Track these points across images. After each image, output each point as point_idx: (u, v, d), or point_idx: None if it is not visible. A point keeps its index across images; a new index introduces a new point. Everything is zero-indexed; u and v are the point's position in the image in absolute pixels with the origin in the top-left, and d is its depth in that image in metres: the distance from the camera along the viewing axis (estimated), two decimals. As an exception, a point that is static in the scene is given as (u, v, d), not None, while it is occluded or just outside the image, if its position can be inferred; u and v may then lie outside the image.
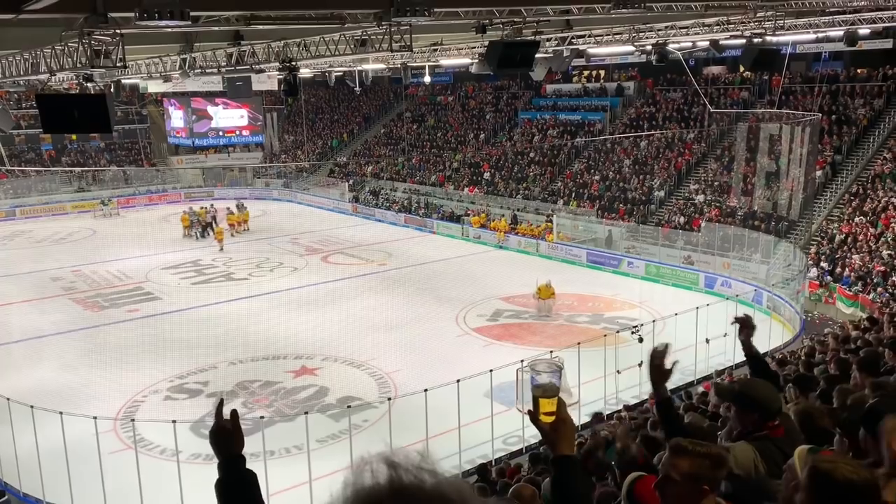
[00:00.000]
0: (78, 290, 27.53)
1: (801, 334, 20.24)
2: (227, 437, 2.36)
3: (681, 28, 17.87)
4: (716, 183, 32.74)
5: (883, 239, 24.47)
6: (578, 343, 16.31)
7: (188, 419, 15.28)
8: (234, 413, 2.41)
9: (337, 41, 14.68)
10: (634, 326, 18.53)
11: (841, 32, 19.55)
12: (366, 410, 15.94)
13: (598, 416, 13.68)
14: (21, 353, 20.64)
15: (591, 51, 20.32)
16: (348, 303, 25.05)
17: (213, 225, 37.55)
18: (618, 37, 18.64)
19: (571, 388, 16.61)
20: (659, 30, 18.02)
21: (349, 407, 15.07)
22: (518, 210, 36.58)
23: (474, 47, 19.69)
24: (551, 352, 16.37)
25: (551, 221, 33.30)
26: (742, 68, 34.38)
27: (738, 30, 17.62)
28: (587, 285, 26.92)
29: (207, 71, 19.00)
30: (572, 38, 18.02)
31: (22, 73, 16.16)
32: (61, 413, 13.19)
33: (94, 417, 13.25)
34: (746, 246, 27.24)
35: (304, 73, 25.48)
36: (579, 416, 15.83)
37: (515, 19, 12.87)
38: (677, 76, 38.02)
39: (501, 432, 14.55)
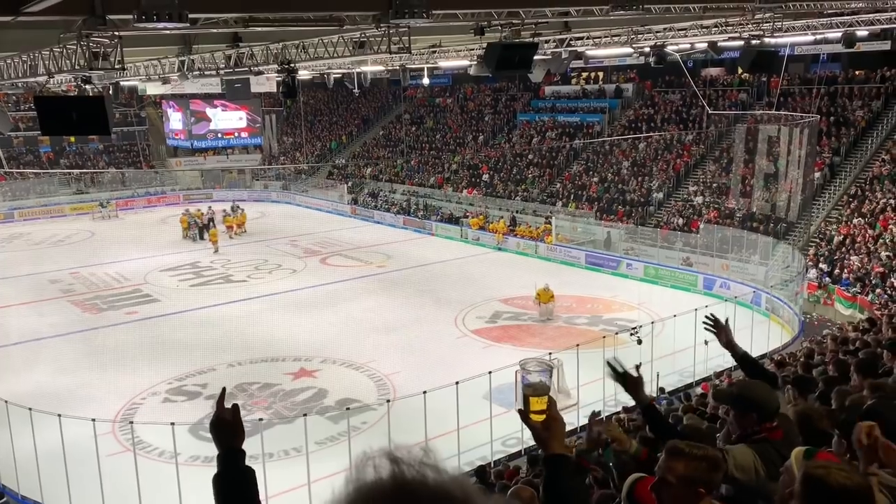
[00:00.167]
0: (76, 293, 27.51)
1: (800, 336, 20.24)
2: (226, 428, 2.35)
3: (679, 30, 17.88)
4: (714, 184, 32.76)
5: (881, 240, 24.49)
6: (577, 345, 16.32)
7: (187, 421, 15.27)
8: (234, 407, 2.40)
9: (335, 43, 14.67)
10: (633, 328, 18.53)
11: (839, 34, 19.57)
12: (365, 412, 15.92)
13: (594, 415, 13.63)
14: (19, 356, 20.61)
15: (590, 52, 20.33)
16: (347, 305, 25.04)
17: (213, 226, 37.54)
18: (616, 38, 18.65)
19: (570, 390, 16.65)
20: (657, 31, 18.03)
21: (348, 409, 15.06)
22: (517, 212, 36.59)
23: (473, 49, 19.69)
24: (550, 353, 16.36)
25: (550, 223, 33.31)
26: (740, 70, 34.42)
27: (736, 31, 17.64)
28: (586, 287, 26.92)
29: (206, 73, 18.99)
30: (571, 39, 18.02)
31: (20, 75, 16.15)
32: (59, 415, 13.18)
33: (93, 420, 13.23)
34: (745, 247, 27.25)
35: (303, 75, 25.49)
36: (578, 418, 15.85)
37: (514, 21, 12.87)
38: (676, 78, 38.06)
39: (500, 434, 14.54)
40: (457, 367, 17.12)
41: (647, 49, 19.81)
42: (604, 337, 17.64)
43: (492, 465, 13.42)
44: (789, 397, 6.09)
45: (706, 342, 17.15)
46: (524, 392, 2.31)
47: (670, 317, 18.73)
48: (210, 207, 39.93)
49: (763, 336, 19.31)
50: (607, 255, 30.48)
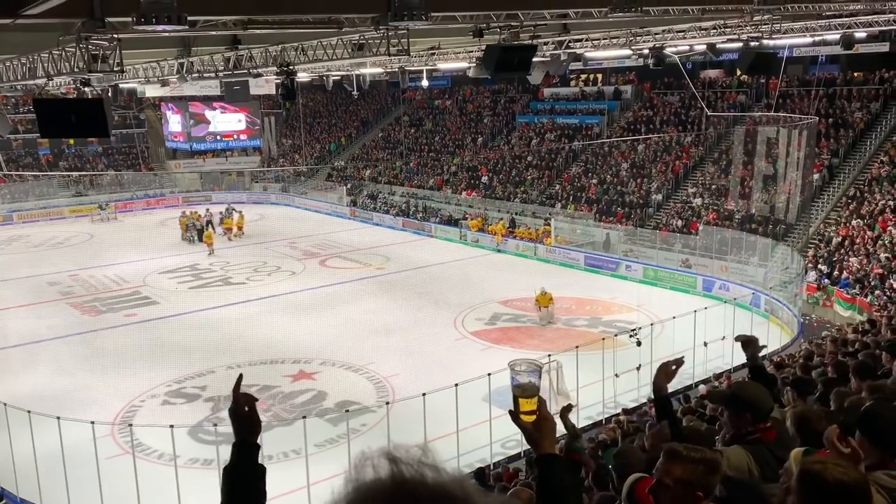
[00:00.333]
0: (75, 295, 27.50)
1: (799, 337, 20.25)
2: (241, 417, 2.29)
3: (678, 32, 17.90)
4: (713, 186, 32.78)
5: (880, 242, 24.51)
6: (577, 346, 16.31)
7: (186, 424, 15.28)
8: (249, 398, 2.32)
9: (334, 45, 14.69)
10: (633, 330, 18.52)
11: (837, 36, 19.58)
12: (364, 415, 15.91)
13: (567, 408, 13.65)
14: (18, 358, 20.60)
15: (589, 54, 20.35)
16: (346, 307, 25.03)
17: (211, 228, 37.55)
18: (615, 41, 18.67)
19: (570, 392, 16.64)
20: (656, 33, 18.05)
21: (347, 411, 15.04)
22: (516, 213, 36.60)
23: (472, 51, 19.70)
24: (549, 355, 16.35)
25: (549, 225, 33.31)
26: (739, 72, 34.49)
27: (734, 33, 17.66)
28: (585, 289, 26.92)
29: (205, 75, 19.00)
30: (570, 41, 18.03)
31: (19, 77, 16.14)
32: (59, 418, 13.16)
33: (92, 422, 13.23)
34: (744, 249, 27.27)
35: (302, 77, 25.48)
36: (577, 420, 15.84)
37: (513, 23, 12.88)
38: (674, 80, 38.11)
39: (500, 436, 14.52)
40: (456, 369, 17.11)
41: (646, 51, 19.83)
42: (603, 339, 17.63)
43: (491, 467, 13.41)
44: (788, 399, 6.09)
45: (705, 344, 17.25)
46: (514, 393, 2.31)
47: (670, 318, 18.72)
48: (208, 210, 39.93)
49: (762, 338, 19.22)
50: (606, 256, 30.49)
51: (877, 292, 22.03)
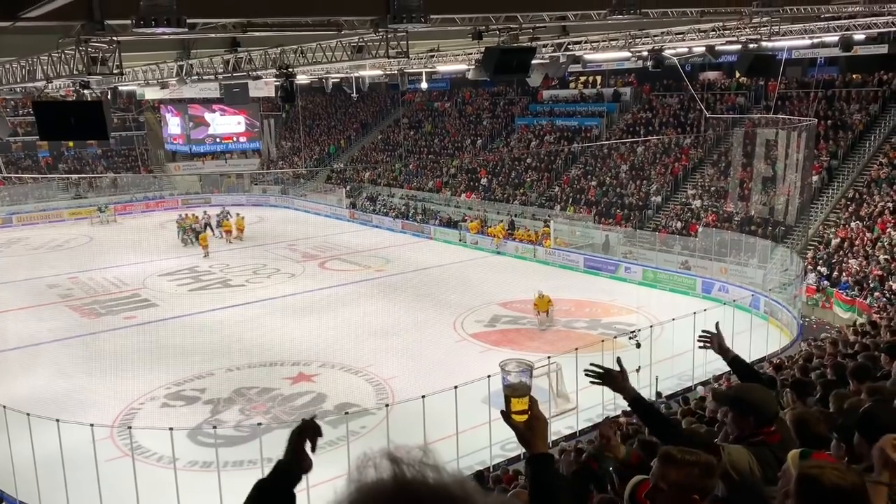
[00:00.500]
0: (75, 297, 27.48)
1: (799, 339, 20.24)
2: (299, 446, 2.26)
3: (677, 34, 17.93)
4: (712, 188, 32.80)
5: (879, 243, 24.52)
6: (576, 349, 16.30)
7: (185, 426, 15.28)
8: (317, 429, 2.33)
9: (333, 48, 14.70)
10: (632, 332, 18.53)
11: (836, 38, 19.59)
12: (363, 417, 15.91)
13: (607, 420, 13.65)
14: (17, 361, 20.58)
15: (588, 57, 20.40)
16: (345, 309, 25.03)
17: (209, 230, 37.56)
18: (614, 43, 18.69)
19: (570, 394, 16.64)
20: (655, 36, 18.08)
21: (347, 413, 15.03)
22: (515, 216, 36.60)
23: (471, 53, 19.72)
24: (549, 357, 16.36)
25: (548, 227, 33.32)
26: (738, 74, 34.50)
27: (733, 35, 17.65)
28: (584, 291, 26.92)
29: (204, 77, 19.02)
30: (568, 44, 18.06)
31: (19, 80, 16.16)
32: (58, 421, 13.14)
33: (91, 425, 13.22)
34: (743, 251, 27.28)
35: (301, 79, 25.50)
36: (577, 422, 15.85)
37: (512, 26, 12.89)
38: (674, 82, 38.13)
39: (499, 438, 14.50)
40: (455, 371, 17.11)
41: (645, 53, 19.84)
42: (602, 341, 17.63)
43: (490, 469, 13.40)
44: (788, 401, 6.10)
45: (705, 346, 17.22)
46: (505, 393, 2.31)
47: (669, 320, 18.72)
48: (206, 212, 39.95)
49: (762, 339, 19.32)
50: (606, 258, 30.49)
51: (876, 294, 22.04)
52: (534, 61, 14.94)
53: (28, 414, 13.34)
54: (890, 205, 26.16)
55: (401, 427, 13.91)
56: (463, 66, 22.78)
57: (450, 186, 42.57)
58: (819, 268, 24.98)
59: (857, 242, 25.27)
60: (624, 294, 26.35)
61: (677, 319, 18.31)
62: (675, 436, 3.69)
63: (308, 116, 56.26)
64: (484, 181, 41.21)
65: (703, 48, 19.61)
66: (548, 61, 19.26)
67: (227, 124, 51.42)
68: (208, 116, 50.48)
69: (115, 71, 10.88)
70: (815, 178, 29.36)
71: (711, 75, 39.88)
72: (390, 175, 46.65)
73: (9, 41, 12.45)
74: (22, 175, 47.47)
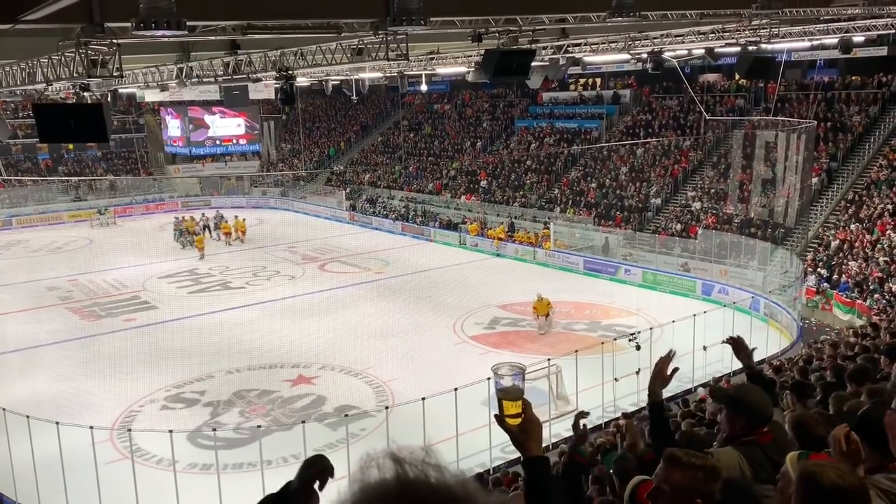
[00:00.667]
0: (74, 300, 27.47)
1: (799, 341, 20.24)
2: (314, 480, 2.38)
3: (676, 36, 17.96)
4: (712, 190, 32.81)
5: (879, 245, 24.53)
6: (576, 351, 16.31)
7: (185, 429, 15.26)
8: (325, 474, 2.44)
9: (333, 50, 14.71)
10: (632, 334, 18.52)
11: (836, 40, 19.62)
12: (363, 419, 15.89)
13: (580, 414, 13.65)
14: (17, 363, 20.56)
15: (587, 59, 20.39)
16: (345, 311, 25.02)
17: (208, 233, 37.56)
18: (613, 45, 18.71)
19: (569, 396, 16.64)
20: (654, 38, 18.10)
21: (346, 416, 15.04)
22: (515, 218, 36.61)
23: (471, 56, 19.72)
24: (549, 359, 16.35)
25: (548, 229, 33.33)
26: (737, 76, 34.55)
27: (733, 38, 17.69)
28: (584, 293, 26.91)
29: (204, 80, 19.04)
30: (568, 46, 18.09)
31: (19, 82, 16.18)
32: (57, 423, 13.13)
33: (91, 427, 13.21)
34: (743, 253, 27.29)
35: (301, 81, 25.51)
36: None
37: (511, 28, 12.91)
38: (673, 84, 38.15)
39: (499, 441, 14.50)
40: (455, 373, 17.09)
41: (645, 55, 19.86)
42: (602, 343, 17.63)
43: (490, 471, 13.39)
44: (788, 403, 6.09)
45: (705, 348, 17.23)
46: (498, 396, 2.31)
47: (669, 322, 18.71)
48: (204, 214, 39.97)
49: (761, 341, 19.29)
50: (606, 260, 30.49)
51: (876, 296, 22.04)
52: (533, 63, 14.95)
53: (28, 416, 13.33)
54: (889, 207, 26.18)
55: (401, 429, 13.90)
56: (463, 69, 22.80)
57: (450, 188, 42.59)
58: (819, 270, 24.99)
59: (856, 244, 25.28)
60: (624, 296, 26.35)
61: (677, 321, 18.29)
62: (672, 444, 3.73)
63: (308, 119, 56.29)
64: (484, 183, 41.22)
65: (703, 50, 19.64)
66: (547, 63, 19.28)
67: (226, 126, 51.43)
68: (208, 119, 50.50)
69: (114, 73, 10.90)
70: (814, 180, 29.37)
71: (711, 77, 39.92)
72: (390, 177, 46.67)
73: (9, 44, 12.48)
74: (22, 177, 47.47)
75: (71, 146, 51.09)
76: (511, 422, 2.28)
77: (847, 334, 14.89)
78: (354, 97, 30.90)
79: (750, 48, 17.57)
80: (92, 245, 38.28)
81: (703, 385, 16.83)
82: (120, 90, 22.94)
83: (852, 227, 26.37)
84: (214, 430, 14.58)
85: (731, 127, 34.88)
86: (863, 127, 31.10)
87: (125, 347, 21.74)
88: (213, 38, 12.37)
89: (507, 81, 41.69)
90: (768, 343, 19.59)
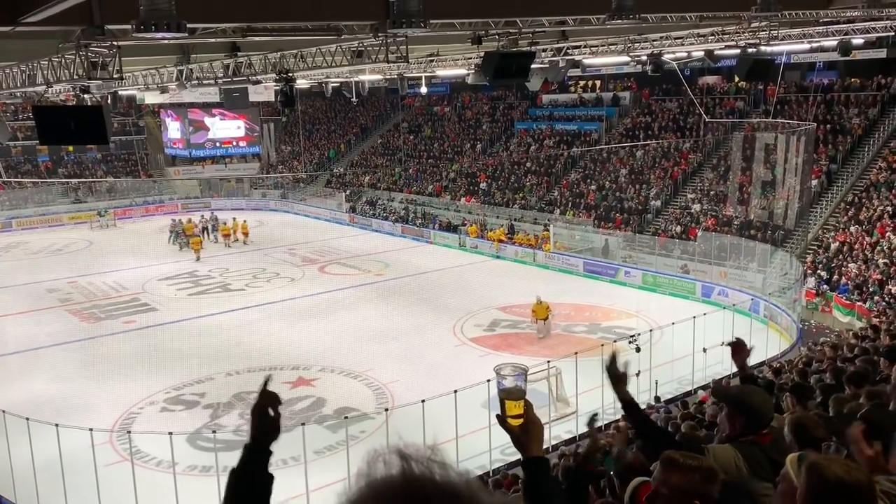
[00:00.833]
0: (74, 302, 27.47)
1: (798, 343, 20.24)
2: (264, 416, 2.20)
3: (676, 38, 17.96)
4: (712, 192, 32.82)
5: (879, 248, 24.53)
6: (576, 353, 16.29)
7: (185, 431, 15.24)
8: (275, 398, 2.20)
9: (333, 52, 14.72)
10: (632, 336, 18.51)
11: (835, 42, 19.66)
12: (363, 421, 15.89)
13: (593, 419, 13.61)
14: (17, 365, 20.55)
15: (587, 61, 20.40)
16: (345, 313, 25.01)
17: (206, 235, 37.54)
18: (613, 47, 18.72)
19: (569, 398, 16.63)
20: (654, 40, 18.11)
21: (346, 418, 15.04)
22: (515, 220, 36.62)
23: (470, 58, 19.75)
24: (549, 361, 16.35)
25: (548, 231, 33.33)
26: (737, 78, 34.55)
27: (732, 40, 17.72)
28: (584, 295, 26.91)
29: (204, 82, 19.04)
30: (568, 48, 18.09)
31: (19, 84, 16.19)
32: (57, 425, 13.13)
33: (90, 429, 13.19)
34: (743, 255, 27.30)
35: (301, 83, 25.54)
36: (577, 426, 15.82)
37: (511, 30, 12.92)
38: (673, 86, 38.18)
39: (499, 443, 14.50)
40: (455, 375, 17.09)
41: (644, 57, 19.88)
42: (602, 345, 17.63)
43: (490, 473, 13.39)
44: (788, 405, 6.09)
45: (704, 350, 17.22)
46: (500, 396, 2.32)
47: (669, 324, 18.72)
48: (203, 216, 39.98)
49: (761, 343, 19.27)
50: (605, 262, 30.49)
51: (875, 298, 22.04)
52: (533, 66, 14.96)
53: (27, 418, 13.33)
54: (889, 209, 26.19)
55: (401, 431, 13.83)
56: (462, 71, 22.83)
57: (449, 190, 42.60)
58: (818, 272, 24.99)
59: (856, 246, 25.29)
60: (623, 298, 26.35)
61: (677, 323, 18.31)
62: (666, 441, 3.72)
63: (308, 121, 56.30)
64: (483, 185, 41.23)
65: (703, 52, 19.64)
66: (547, 66, 19.29)
67: (226, 128, 51.46)
68: (208, 121, 50.51)
69: (115, 75, 10.91)
70: (814, 182, 29.39)
71: (710, 79, 39.94)
72: (390, 179, 46.67)
73: (9, 46, 12.50)
74: (22, 179, 47.48)
75: (71, 148, 51.08)
76: (513, 422, 2.29)
77: (847, 336, 14.88)
78: (354, 99, 30.92)
79: (749, 50, 17.60)
80: (92, 247, 38.27)
81: (703, 387, 16.81)
82: (120, 92, 22.95)
83: (852, 229, 26.38)
84: (214, 432, 14.58)
85: (730, 129, 34.91)
86: (862, 129, 31.12)
87: (125, 349, 21.74)
88: (212, 40, 12.38)
89: (506, 84, 41.67)
90: (768, 345, 19.57)
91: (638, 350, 17.15)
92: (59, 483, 12.80)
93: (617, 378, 3.81)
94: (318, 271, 31.93)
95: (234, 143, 52.54)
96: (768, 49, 17.96)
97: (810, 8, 14.60)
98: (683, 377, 17.78)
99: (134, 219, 46.65)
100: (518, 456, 2.32)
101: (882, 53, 27.54)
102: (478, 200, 40.32)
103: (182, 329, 23.71)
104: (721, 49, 18.90)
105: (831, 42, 19.88)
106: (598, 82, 43.88)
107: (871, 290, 22.63)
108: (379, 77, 26.21)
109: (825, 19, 16.89)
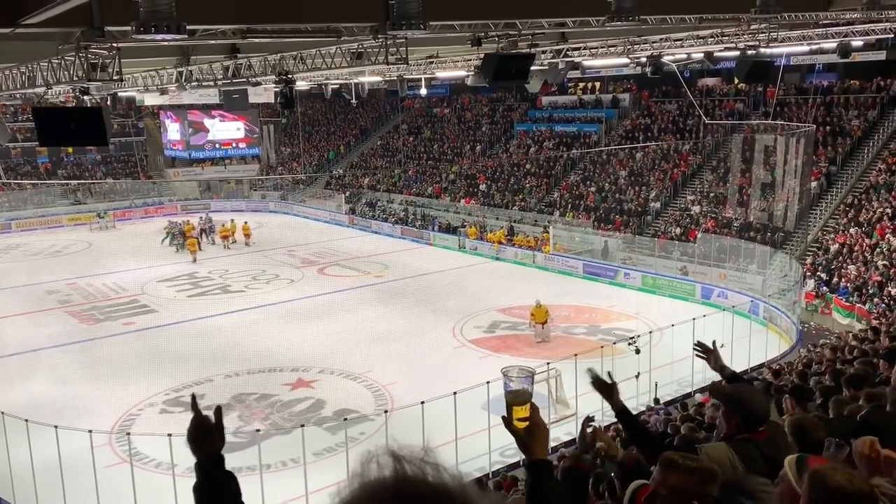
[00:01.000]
0: (74, 303, 27.46)
1: (798, 345, 20.24)
2: (207, 433, 2.32)
3: (675, 40, 17.96)
4: (711, 194, 32.83)
5: (878, 249, 24.54)
6: (575, 355, 16.28)
7: (184, 432, 15.19)
8: (218, 409, 2.36)
9: (333, 54, 14.72)
10: (631, 338, 18.51)
11: (834, 44, 19.69)
12: (362, 423, 15.88)
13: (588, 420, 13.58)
14: (16, 367, 20.54)
15: (587, 63, 20.40)
16: (345, 315, 25.01)
17: (205, 236, 37.52)
18: (613, 49, 18.73)
19: (569, 400, 16.62)
20: (654, 42, 18.11)
21: (346, 420, 15.02)
22: (514, 221, 36.62)
23: (470, 60, 19.75)
24: (548, 363, 16.34)
25: (548, 232, 33.34)
26: (736, 80, 34.55)
27: (732, 42, 17.73)
28: (584, 296, 26.92)
29: (204, 84, 19.04)
30: (567, 50, 18.10)
31: (19, 86, 16.17)
32: (56, 427, 13.12)
33: (90, 431, 13.18)
34: (742, 257, 27.29)
35: (301, 85, 25.55)
36: (577, 428, 15.80)
37: (511, 32, 12.92)
38: (672, 88, 38.21)
39: (499, 445, 14.49)
40: (455, 377, 17.09)
41: (644, 59, 19.89)
42: (602, 347, 17.63)
43: (490, 475, 13.38)
44: (787, 407, 6.09)
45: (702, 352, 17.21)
46: (507, 399, 2.33)
47: (668, 326, 18.72)
48: (201, 218, 39.97)
49: (761, 345, 19.31)
50: (605, 264, 30.50)
51: (875, 300, 22.04)
52: (533, 67, 14.95)
53: (26, 420, 13.31)
54: (889, 210, 26.20)
55: (400, 433, 13.88)
56: (462, 73, 22.83)
57: (449, 192, 42.61)
58: (818, 274, 24.99)
59: (856, 248, 25.29)
60: (623, 300, 26.36)
61: (676, 325, 18.30)
62: (660, 446, 3.75)
63: (307, 122, 56.32)
64: (483, 187, 41.24)
65: (702, 54, 19.64)
66: (547, 67, 19.30)
67: (226, 130, 51.44)
68: (208, 122, 50.50)
69: (114, 77, 10.91)
70: (813, 184, 29.40)
71: (710, 81, 39.97)
72: (389, 181, 46.68)
73: (9, 47, 12.49)
74: (21, 181, 47.48)
75: (70, 149, 51.06)
76: (518, 425, 2.30)
77: (847, 338, 14.88)
78: (354, 101, 30.92)
79: (749, 52, 17.61)
80: (91, 248, 38.27)
81: (702, 390, 16.80)
82: (120, 94, 22.93)
83: (851, 230, 26.39)
84: (213, 433, 14.54)
85: (730, 131, 34.95)
86: (861, 131, 31.14)
87: (124, 351, 21.72)
88: (212, 41, 12.38)
89: (506, 85, 41.68)
90: (767, 347, 19.59)
91: (637, 352, 17.16)
92: (58, 485, 12.79)
93: (606, 390, 3.90)
94: (318, 273, 31.92)
95: (234, 145, 52.52)
96: (768, 51, 17.97)
97: (810, 10, 14.61)
98: (683, 379, 17.76)
99: (133, 220, 46.64)
100: (518, 458, 2.32)
101: (881, 55, 27.52)
102: (477, 202, 40.33)
103: (181, 330, 23.70)
104: (720, 51, 18.90)
105: (831, 44, 19.91)
106: (597, 84, 43.89)
107: (870, 291, 22.63)
108: (378, 79, 26.21)
109: (824, 21, 16.89)
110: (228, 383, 19.21)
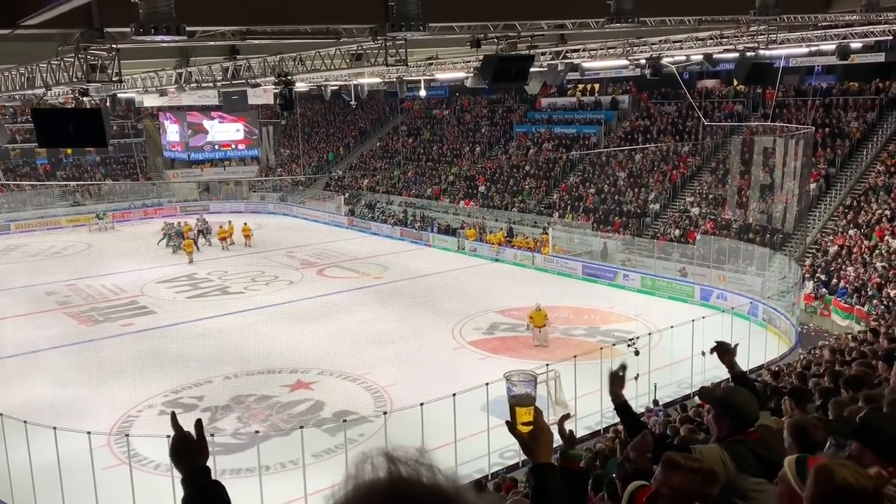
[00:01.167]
0: (73, 305, 27.44)
1: (797, 346, 20.25)
2: (190, 447, 2.31)
3: (674, 42, 17.98)
4: (711, 196, 32.85)
5: (877, 251, 24.56)
6: (575, 356, 16.30)
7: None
8: (198, 422, 2.36)
9: (332, 55, 14.73)
10: (631, 339, 18.49)
11: (833, 46, 19.68)
12: (361, 425, 15.87)
13: (564, 417, 13.58)
14: (15, 368, 20.53)
15: (586, 65, 20.42)
16: (344, 316, 25.00)
17: (203, 238, 37.49)
18: (612, 51, 18.74)
19: (568, 401, 16.61)
20: (653, 44, 18.12)
21: (345, 421, 15.00)
22: (514, 223, 36.63)
23: (469, 61, 19.77)
24: (547, 364, 16.34)
25: (547, 234, 33.35)
26: (736, 82, 34.62)
27: (731, 44, 17.74)
28: (583, 298, 26.92)
29: (203, 85, 19.04)
30: (567, 52, 18.10)
31: (18, 87, 16.16)
32: (55, 428, 13.11)
33: (88, 432, 13.17)
34: (742, 258, 27.30)
35: (300, 87, 25.57)
36: (576, 429, 15.80)
37: (510, 34, 12.93)
38: (672, 90, 38.24)
39: (498, 446, 14.49)
40: (454, 378, 17.09)
41: (643, 61, 19.90)
42: (601, 348, 17.61)
43: (489, 477, 13.37)
44: (787, 408, 6.09)
45: (703, 353, 17.19)
46: (510, 403, 2.34)
47: (667, 328, 18.72)
48: (197, 219, 39.95)
49: (760, 347, 19.31)
50: (604, 266, 30.50)
51: (874, 301, 22.05)
52: (532, 69, 14.97)
53: (25, 421, 13.31)
54: (888, 212, 26.22)
55: (399, 434, 13.88)
56: (461, 74, 22.84)
57: (448, 194, 42.61)
58: (817, 275, 25.00)
59: (855, 250, 25.31)
60: (622, 301, 26.36)
61: (676, 327, 18.31)
62: (659, 447, 3.78)
63: (307, 124, 56.34)
64: (482, 188, 41.25)
65: (701, 56, 19.68)
66: (546, 69, 19.31)
67: (225, 131, 51.43)
68: (207, 124, 50.50)
69: (114, 78, 10.90)
70: (812, 185, 29.42)
71: (709, 83, 40.01)
72: (389, 182, 46.69)
73: (8, 48, 12.48)
74: (20, 182, 47.46)
75: (69, 151, 51.01)
76: (522, 429, 2.30)
77: (846, 340, 14.89)
78: (353, 102, 30.97)
79: (748, 54, 17.63)
80: (90, 250, 38.26)
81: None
82: (119, 95, 22.96)
83: (850, 232, 26.41)
84: (212, 435, 14.54)
85: (729, 133, 34.97)
86: (860, 133, 31.17)
87: (123, 352, 21.70)
88: (212, 43, 12.38)
89: (505, 87, 41.67)
90: (767, 348, 19.59)
91: (637, 353, 17.12)
92: (56, 486, 12.78)
93: (616, 381, 4.04)
94: (317, 274, 31.92)
95: (233, 146, 52.50)
96: (767, 53, 18.00)
97: (809, 12, 14.62)
98: (682, 380, 17.77)
99: (132, 222, 46.63)
100: (517, 459, 2.32)
101: (880, 57, 27.55)
102: (476, 203, 40.33)
103: (180, 332, 23.69)
104: (720, 53, 18.92)
105: (830, 46, 19.90)
106: (596, 86, 43.93)
107: (869, 293, 22.65)
108: (378, 80, 26.22)
109: (823, 23, 16.91)
110: (227, 385, 19.21)
